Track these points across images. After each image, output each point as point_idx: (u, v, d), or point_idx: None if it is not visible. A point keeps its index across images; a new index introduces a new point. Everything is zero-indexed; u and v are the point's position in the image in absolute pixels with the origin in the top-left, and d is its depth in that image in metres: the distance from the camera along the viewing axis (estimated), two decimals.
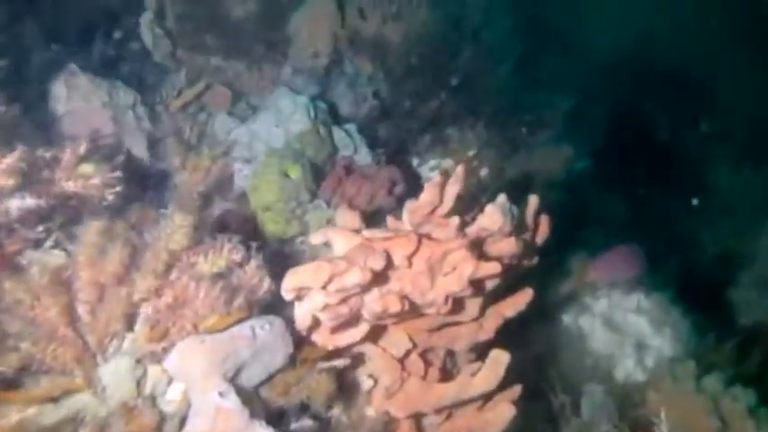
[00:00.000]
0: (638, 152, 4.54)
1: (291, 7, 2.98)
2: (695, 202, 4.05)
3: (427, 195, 1.88)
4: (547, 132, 2.93)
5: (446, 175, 1.91)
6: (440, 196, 1.90)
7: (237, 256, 1.68)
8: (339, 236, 1.87)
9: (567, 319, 2.59)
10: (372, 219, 2.45)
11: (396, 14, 3.17)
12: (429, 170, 2.92)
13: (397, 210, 2.54)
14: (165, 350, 1.56)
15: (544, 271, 2.64)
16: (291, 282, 1.71)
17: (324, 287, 1.73)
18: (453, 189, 1.89)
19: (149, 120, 2.28)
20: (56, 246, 1.72)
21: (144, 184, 2.18)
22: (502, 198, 1.96)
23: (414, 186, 2.90)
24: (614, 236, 3.42)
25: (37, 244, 1.67)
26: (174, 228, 1.60)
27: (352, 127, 2.52)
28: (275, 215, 2.27)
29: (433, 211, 1.94)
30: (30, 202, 1.48)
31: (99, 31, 2.89)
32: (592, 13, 5.39)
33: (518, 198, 2.81)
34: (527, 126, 2.91)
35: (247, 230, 2.37)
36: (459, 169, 1.88)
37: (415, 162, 2.94)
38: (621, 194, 4.14)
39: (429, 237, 1.91)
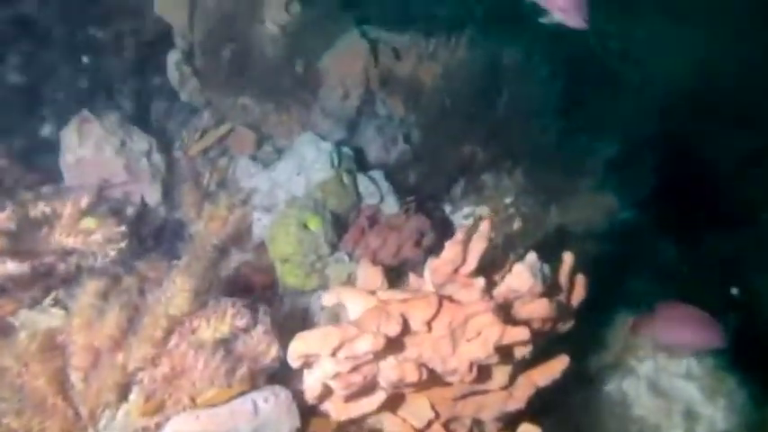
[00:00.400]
0: (694, 197, 4.27)
1: (324, 46, 2.90)
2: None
3: (448, 254, 1.74)
4: (588, 180, 2.75)
5: (473, 229, 1.77)
6: (462, 255, 1.76)
7: (242, 321, 1.57)
8: (353, 297, 1.75)
9: (609, 382, 2.39)
10: (399, 272, 2.32)
11: (432, 54, 3.05)
12: (463, 218, 2.77)
13: (424, 263, 2.40)
14: (159, 425, 1.45)
15: (584, 330, 2.46)
16: (298, 349, 1.58)
17: (334, 354, 1.60)
18: (478, 247, 1.75)
19: (166, 166, 2.20)
20: (56, 304, 1.64)
21: (157, 235, 2.10)
22: (532, 257, 1.81)
23: (446, 235, 2.75)
24: (663, 288, 3.20)
25: (35, 302, 1.59)
26: (175, 291, 1.50)
27: (378, 174, 2.39)
28: (294, 268, 2.15)
29: (456, 270, 1.81)
30: (11, 267, 1.40)
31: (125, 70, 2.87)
32: (641, 52, 5.18)
33: (556, 250, 2.64)
34: (568, 173, 2.74)
35: (265, 283, 2.27)
36: (485, 226, 1.74)
37: (447, 209, 2.79)
38: (673, 243, 3.89)
39: (451, 299, 1.77)
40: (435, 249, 2.48)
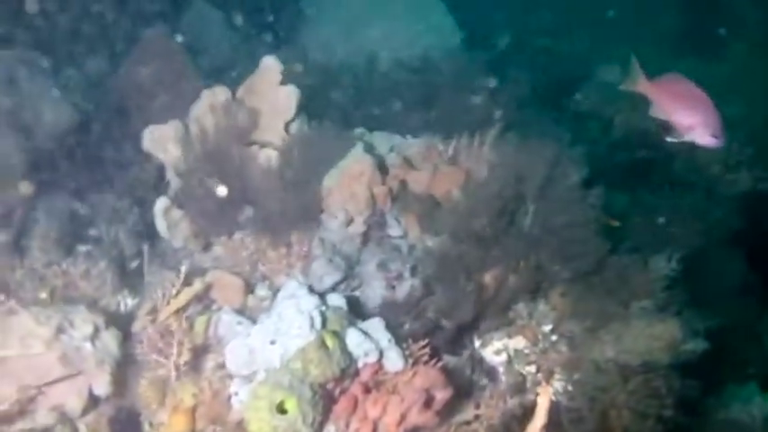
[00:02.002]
0: None
1: (328, 165, 2.59)
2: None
3: None
4: (643, 302, 2.29)
5: None
6: None
7: None
8: None
9: None
10: None
11: (452, 159, 2.69)
12: (494, 353, 2.36)
13: (438, 427, 2.00)
14: None
15: None
16: None
17: None
18: None
19: (121, 345, 1.90)
20: None
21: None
22: None
23: (476, 376, 2.34)
24: None
25: None
26: None
27: (377, 323, 2.02)
28: None
29: None
30: None
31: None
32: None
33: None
34: (616, 294, 2.29)
35: None
36: None
37: (476, 343, 2.39)
38: None
39: None
40: (451, 406, 2.07)
